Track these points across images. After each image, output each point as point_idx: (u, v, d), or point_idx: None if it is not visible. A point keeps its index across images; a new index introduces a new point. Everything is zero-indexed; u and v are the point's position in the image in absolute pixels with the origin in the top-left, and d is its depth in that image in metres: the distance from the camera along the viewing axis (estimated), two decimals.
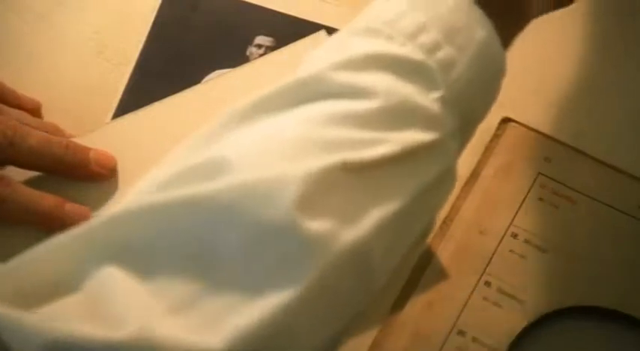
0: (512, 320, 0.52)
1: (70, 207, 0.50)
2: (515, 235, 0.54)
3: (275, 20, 0.58)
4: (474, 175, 0.56)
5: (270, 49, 0.57)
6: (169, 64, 0.57)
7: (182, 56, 0.58)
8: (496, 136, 0.56)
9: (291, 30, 0.57)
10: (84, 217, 0.50)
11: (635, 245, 0.54)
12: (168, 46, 0.58)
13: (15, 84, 0.55)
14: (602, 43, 0.60)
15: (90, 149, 0.51)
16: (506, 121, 0.56)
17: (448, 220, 0.55)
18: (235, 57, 0.57)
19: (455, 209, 0.55)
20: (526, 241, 0.54)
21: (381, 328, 0.53)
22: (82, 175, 0.51)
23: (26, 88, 0.56)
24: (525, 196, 0.55)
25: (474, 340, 0.52)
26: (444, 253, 0.54)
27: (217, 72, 0.57)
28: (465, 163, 0.56)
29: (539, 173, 0.55)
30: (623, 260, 0.53)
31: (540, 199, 0.55)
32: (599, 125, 0.57)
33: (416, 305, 0.53)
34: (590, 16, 0.60)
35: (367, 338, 0.53)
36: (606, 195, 0.54)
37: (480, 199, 0.55)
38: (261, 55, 0.57)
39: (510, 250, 0.54)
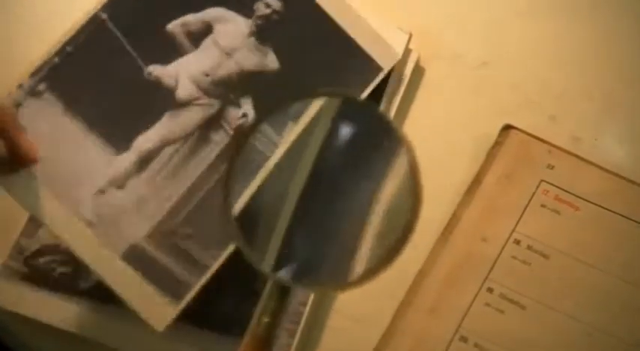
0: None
1: None
2: (517, 242, 0.54)
3: None
4: (476, 182, 0.55)
5: (276, 13, 0.56)
6: None
7: None
8: (498, 144, 0.56)
9: None
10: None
11: (638, 251, 0.54)
12: None
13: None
14: (603, 48, 0.60)
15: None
16: (507, 128, 0.56)
17: (450, 227, 0.55)
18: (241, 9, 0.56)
19: (457, 216, 0.55)
20: (529, 248, 0.54)
21: (384, 335, 0.53)
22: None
23: None
24: (528, 203, 0.55)
25: (476, 345, 0.52)
26: (447, 260, 0.54)
27: (216, 9, 0.56)
28: (466, 171, 0.56)
29: (542, 180, 0.55)
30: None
31: (543, 205, 0.55)
32: (601, 132, 0.58)
33: (418, 311, 0.53)
34: (591, 22, 0.60)
35: (369, 344, 0.53)
36: (609, 201, 0.54)
37: (482, 206, 0.55)
38: (267, 15, 0.56)
39: (513, 257, 0.54)
